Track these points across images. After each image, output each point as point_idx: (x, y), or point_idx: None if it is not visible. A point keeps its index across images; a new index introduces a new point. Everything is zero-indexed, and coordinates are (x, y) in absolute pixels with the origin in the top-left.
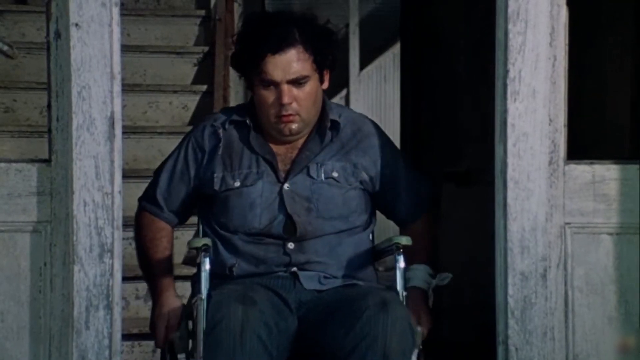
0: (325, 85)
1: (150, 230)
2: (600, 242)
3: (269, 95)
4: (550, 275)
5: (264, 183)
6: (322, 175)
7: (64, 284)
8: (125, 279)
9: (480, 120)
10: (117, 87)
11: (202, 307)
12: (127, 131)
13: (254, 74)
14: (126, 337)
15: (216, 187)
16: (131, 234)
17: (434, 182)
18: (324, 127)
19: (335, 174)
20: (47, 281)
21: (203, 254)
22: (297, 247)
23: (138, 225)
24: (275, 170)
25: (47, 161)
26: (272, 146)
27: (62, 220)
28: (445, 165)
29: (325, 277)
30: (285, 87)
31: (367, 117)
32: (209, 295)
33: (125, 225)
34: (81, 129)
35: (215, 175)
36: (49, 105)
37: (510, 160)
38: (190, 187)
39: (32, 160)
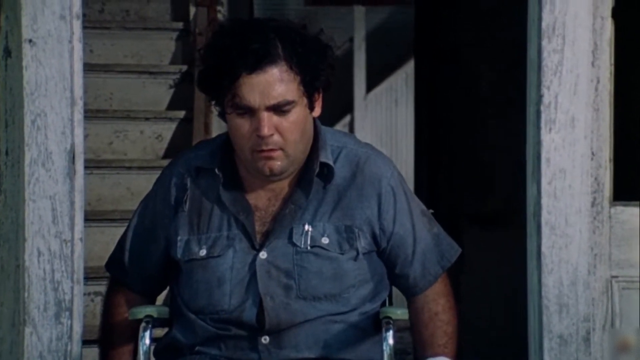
0: (317, 112)
1: (113, 304)
2: None
3: (245, 125)
4: (595, 338)
5: (235, 252)
6: (308, 242)
7: (13, 349)
8: (86, 342)
9: (510, 151)
10: (79, 115)
11: None
12: (90, 166)
13: (225, 98)
14: None
15: (179, 254)
16: (93, 288)
17: (456, 230)
18: (311, 172)
19: (324, 241)
20: None
21: (143, 326)
22: (273, 341)
23: (105, 294)
24: (249, 233)
25: None
26: (251, 196)
27: (10, 274)
28: (468, 206)
29: None
30: (265, 115)
31: (376, 154)
32: None
33: (87, 279)
34: (35, 164)
35: (179, 238)
36: None
37: (545, 201)
38: (161, 248)
39: None
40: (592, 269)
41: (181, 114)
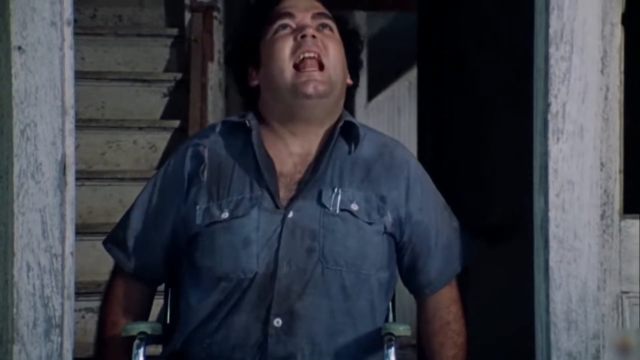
0: (349, 81)
1: (114, 294)
2: None
3: (287, 41)
4: (605, 357)
5: (260, 211)
6: (338, 205)
7: None
8: None
9: (516, 161)
10: (70, 124)
11: None
12: (82, 177)
13: (266, 24)
14: None
15: (198, 220)
16: (85, 304)
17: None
18: (335, 129)
19: (354, 207)
20: None
21: (137, 343)
22: (285, 325)
23: (108, 282)
24: (272, 193)
25: None
26: (277, 163)
27: None
28: (472, 217)
29: None
30: (309, 21)
31: (401, 143)
32: None
33: (78, 294)
34: (24, 175)
35: (197, 207)
36: None
37: (552, 213)
38: (169, 230)
39: None
40: (601, 284)
41: (176, 123)
